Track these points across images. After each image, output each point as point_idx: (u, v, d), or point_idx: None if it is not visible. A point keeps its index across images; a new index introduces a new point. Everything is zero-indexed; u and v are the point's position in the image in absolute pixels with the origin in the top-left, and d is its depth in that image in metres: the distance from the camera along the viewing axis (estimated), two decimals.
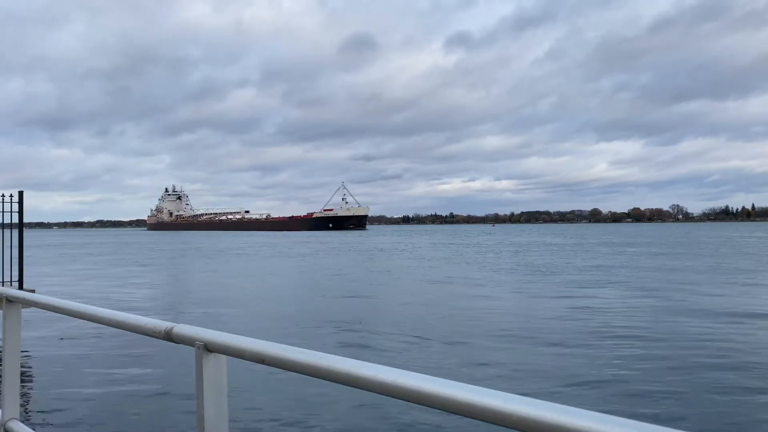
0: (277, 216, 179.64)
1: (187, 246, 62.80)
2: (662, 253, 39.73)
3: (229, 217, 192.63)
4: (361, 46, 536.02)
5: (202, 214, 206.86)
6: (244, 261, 36.90)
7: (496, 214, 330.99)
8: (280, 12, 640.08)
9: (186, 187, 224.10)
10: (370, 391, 1.21)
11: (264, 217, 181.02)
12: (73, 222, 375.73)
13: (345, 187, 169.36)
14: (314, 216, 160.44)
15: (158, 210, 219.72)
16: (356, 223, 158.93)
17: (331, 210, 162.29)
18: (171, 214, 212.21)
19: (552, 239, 70.14)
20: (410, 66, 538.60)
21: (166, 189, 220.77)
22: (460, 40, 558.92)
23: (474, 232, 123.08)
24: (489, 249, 48.49)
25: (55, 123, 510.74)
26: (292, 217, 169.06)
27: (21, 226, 10.21)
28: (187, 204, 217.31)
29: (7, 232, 9.79)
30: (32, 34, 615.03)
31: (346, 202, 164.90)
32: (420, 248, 51.33)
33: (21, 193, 10.21)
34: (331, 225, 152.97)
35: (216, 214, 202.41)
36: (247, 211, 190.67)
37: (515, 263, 31.96)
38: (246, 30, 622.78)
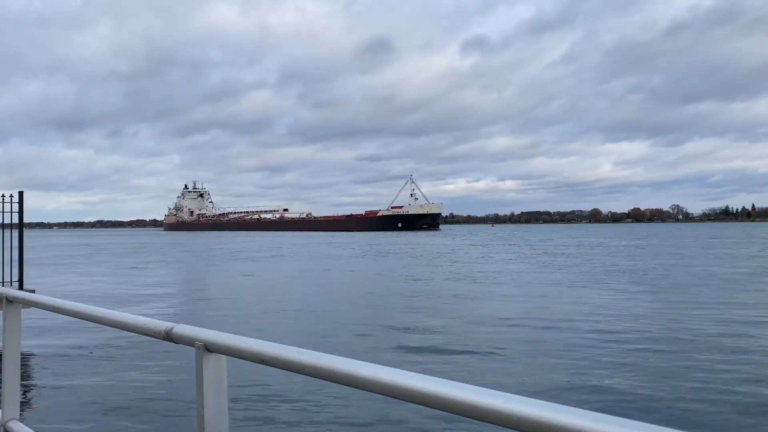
0: (324, 215, 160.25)
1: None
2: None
3: (263, 216, 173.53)
4: (378, 49, 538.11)
5: (229, 213, 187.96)
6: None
7: (496, 215, 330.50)
8: (305, 16, 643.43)
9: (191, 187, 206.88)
10: (370, 391, 1.21)
11: (305, 215, 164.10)
12: (73, 222, 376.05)
13: (414, 182, 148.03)
14: (380, 214, 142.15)
15: (177, 208, 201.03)
16: (429, 222, 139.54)
17: (401, 207, 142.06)
18: (192, 212, 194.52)
19: (610, 240, 63.37)
20: (426, 68, 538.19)
21: (186, 186, 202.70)
22: (476, 44, 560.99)
23: (536, 231, 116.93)
24: (604, 252, 41.49)
25: (70, 124, 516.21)
26: (351, 215, 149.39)
27: (21, 226, 10.22)
28: (210, 202, 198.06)
29: (7, 232, 9.80)
30: (58, 36, 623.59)
31: (416, 199, 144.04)
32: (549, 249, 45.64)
33: (21, 193, 10.23)
34: (400, 225, 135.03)
35: (247, 212, 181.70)
36: (285, 209, 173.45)
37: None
38: (269, 33, 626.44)
